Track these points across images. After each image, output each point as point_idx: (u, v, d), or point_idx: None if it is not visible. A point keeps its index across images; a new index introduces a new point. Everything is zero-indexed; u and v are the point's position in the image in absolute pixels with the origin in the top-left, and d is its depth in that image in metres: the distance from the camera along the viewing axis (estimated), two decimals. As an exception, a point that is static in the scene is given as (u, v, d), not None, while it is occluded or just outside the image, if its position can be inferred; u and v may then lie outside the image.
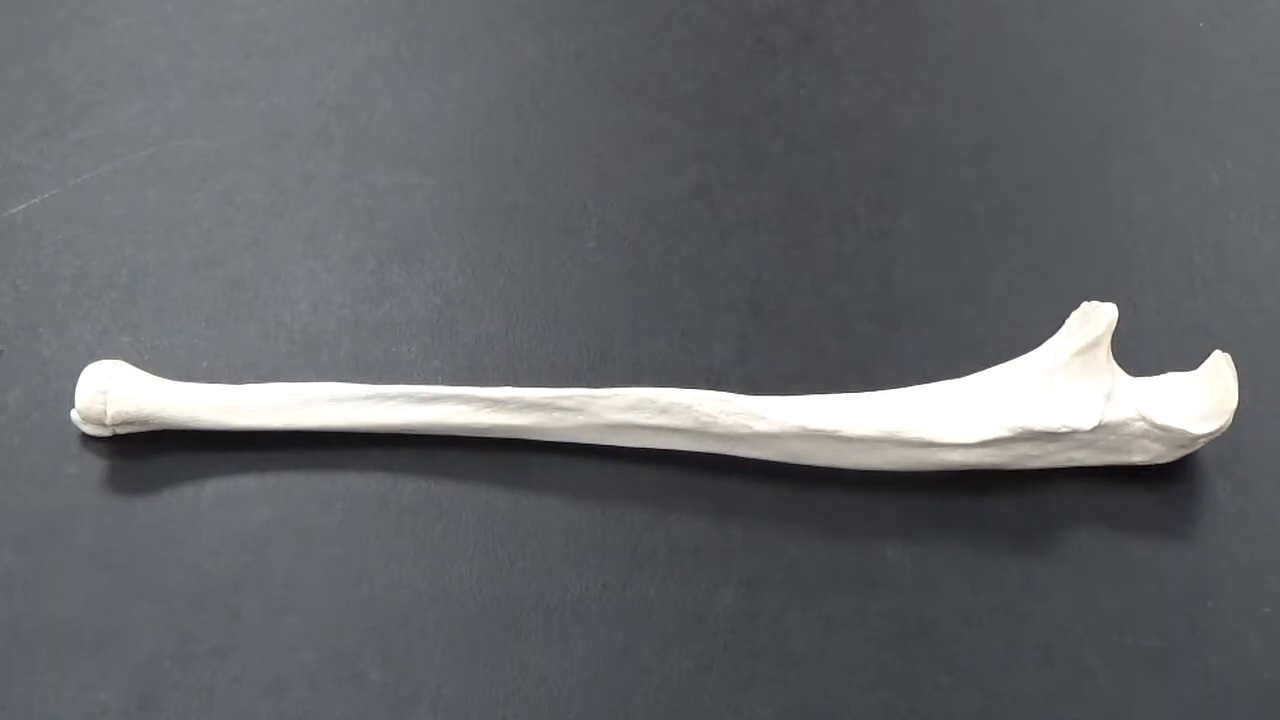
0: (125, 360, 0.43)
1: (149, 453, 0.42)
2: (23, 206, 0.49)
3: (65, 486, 0.42)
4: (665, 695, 0.38)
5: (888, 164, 0.51)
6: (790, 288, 0.47)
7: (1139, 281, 0.48)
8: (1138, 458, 0.42)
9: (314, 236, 0.48)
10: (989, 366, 0.42)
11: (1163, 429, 0.41)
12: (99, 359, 0.43)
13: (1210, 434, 0.41)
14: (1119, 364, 0.42)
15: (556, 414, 0.42)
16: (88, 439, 0.43)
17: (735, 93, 0.54)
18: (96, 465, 0.42)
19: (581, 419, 0.42)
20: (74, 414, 0.42)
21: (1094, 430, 0.41)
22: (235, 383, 0.43)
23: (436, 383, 0.44)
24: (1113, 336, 0.41)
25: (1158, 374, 0.43)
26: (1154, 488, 0.42)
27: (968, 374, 0.42)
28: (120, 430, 0.42)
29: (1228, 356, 0.41)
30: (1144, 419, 0.41)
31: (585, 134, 0.52)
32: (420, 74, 0.54)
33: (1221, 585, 0.40)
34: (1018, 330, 0.44)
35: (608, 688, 0.38)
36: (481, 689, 0.38)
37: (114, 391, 0.42)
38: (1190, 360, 0.43)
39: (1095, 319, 0.41)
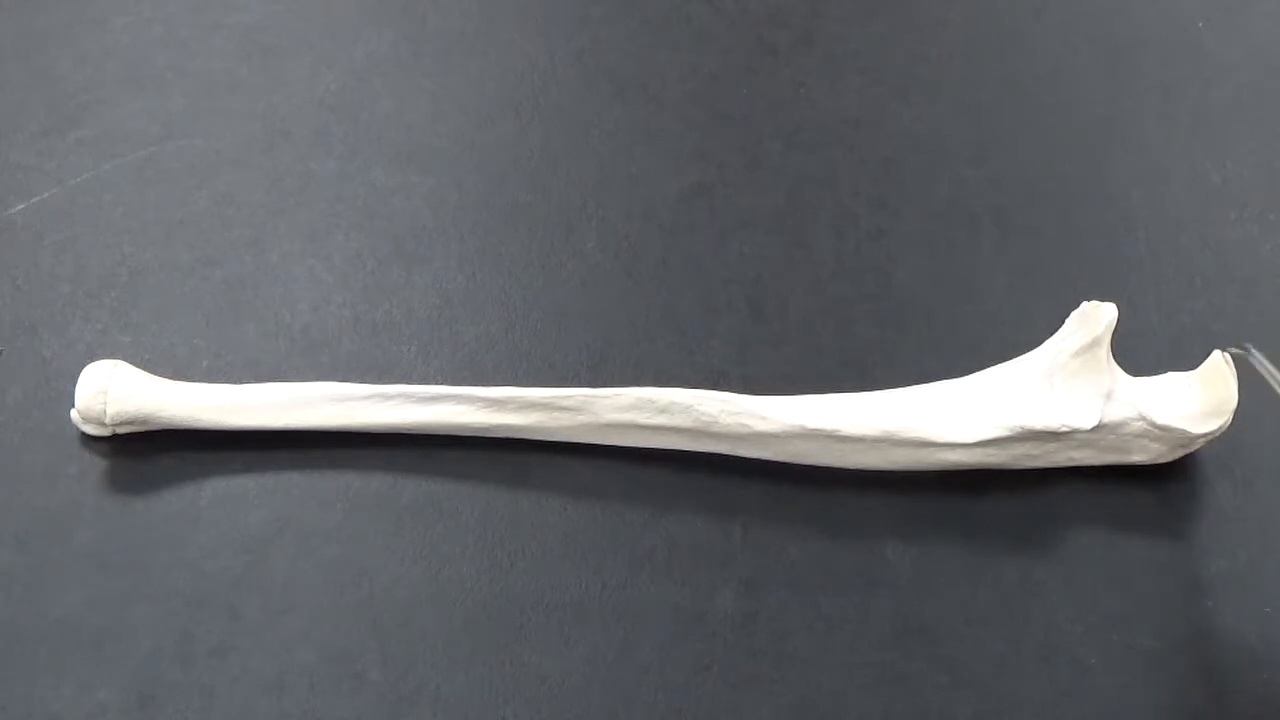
0: (125, 360, 0.43)
1: (149, 453, 0.42)
2: (22, 206, 0.49)
3: (65, 486, 0.42)
4: (665, 695, 0.38)
5: (888, 164, 0.51)
6: (790, 288, 0.47)
7: (1139, 281, 0.48)
8: (1137, 457, 0.42)
9: (314, 236, 0.48)
10: (989, 366, 0.42)
11: (1163, 429, 0.41)
12: (99, 359, 0.43)
13: (1210, 434, 0.41)
14: (1119, 364, 0.42)
15: (556, 414, 0.42)
16: (88, 439, 0.43)
17: (735, 93, 0.54)
18: (96, 465, 0.42)
19: (581, 419, 0.42)
20: (74, 414, 0.42)
21: (1094, 430, 0.41)
22: (235, 382, 0.43)
23: (436, 383, 0.44)
24: (1113, 336, 0.41)
25: (1158, 374, 0.43)
26: (1154, 488, 0.42)
27: (967, 374, 0.42)
28: (120, 430, 0.42)
29: (1228, 356, 0.41)
30: (1144, 419, 0.41)
31: (585, 134, 0.52)
32: (420, 74, 0.54)
33: (1221, 585, 0.40)
34: (1018, 330, 0.44)
35: (608, 688, 0.38)
36: (481, 689, 0.38)
37: (114, 391, 0.42)
38: (1190, 360, 0.43)
39: (1095, 319, 0.41)
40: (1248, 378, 0.41)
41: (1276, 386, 0.40)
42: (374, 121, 0.52)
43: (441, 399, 0.42)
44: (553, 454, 0.43)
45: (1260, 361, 0.40)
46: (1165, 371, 0.43)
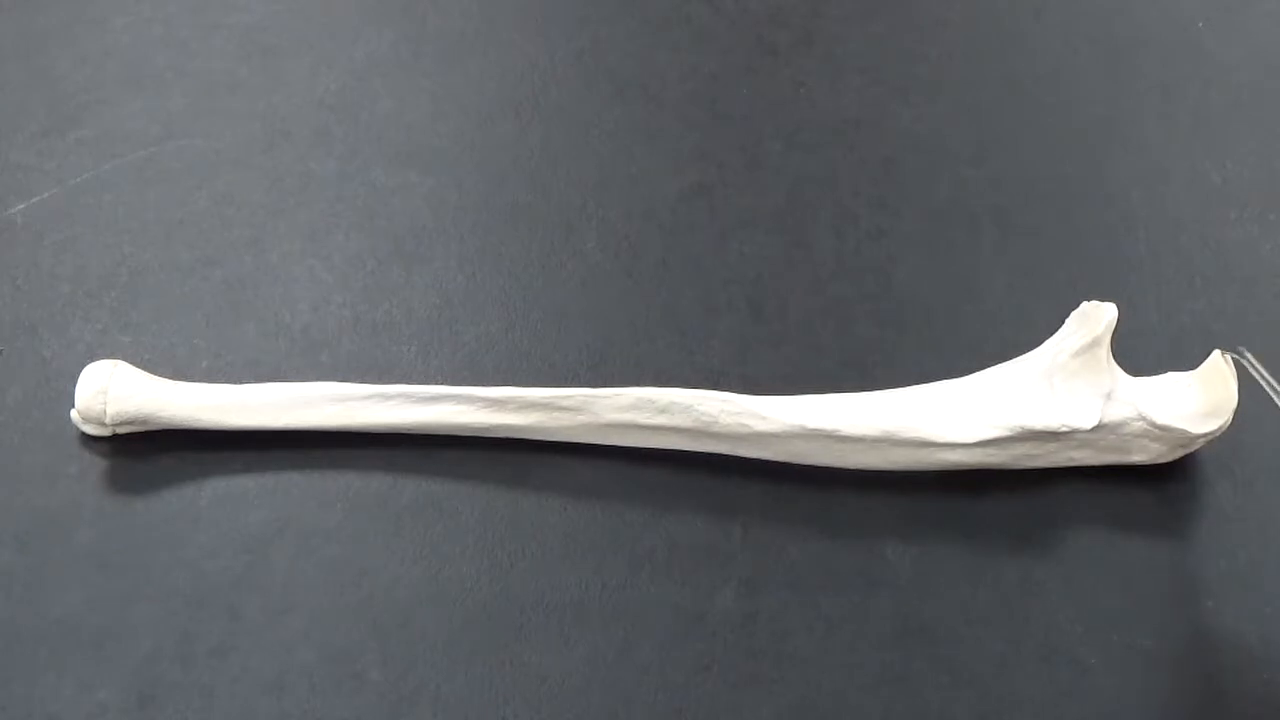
0: (125, 360, 0.43)
1: (149, 453, 0.42)
2: (23, 206, 0.49)
3: (65, 486, 0.42)
4: (665, 695, 0.38)
5: (888, 164, 0.51)
6: (790, 288, 0.47)
7: (1139, 281, 0.48)
8: (1137, 457, 0.42)
9: (314, 236, 0.48)
10: (989, 366, 0.42)
11: (1163, 429, 0.41)
12: (99, 359, 0.43)
13: (1210, 434, 0.41)
14: (1119, 364, 0.42)
15: (556, 414, 0.42)
16: (88, 439, 0.43)
17: (735, 93, 0.54)
18: (96, 465, 0.42)
19: (581, 419, 0.42)
20: (74, 414, 0.42)
21: (1094, 430, 0.41)
22: (235, 383, 0.43)
23: (436, 383, 0.44)
24: (1113, 336, 0.41)
25: (1158, 374, 0.43)
26: (1154, 488, 0.42)
27: (967, 374, 0.42)
28: (120, 430, 0.42)
29: (1228, 356, 0.41)
30: (1144, 419, 0.41)
31: (585, 134, 0.52)
32: (420, 74, 0.54)
33: (1221, 585, 0.40)
34: (1018, 330, 0.44)
35: (608, 688, 0.38)
36: (481, 689, 0.38)
37: (114, 391, 0.42)
38: (1190, 360, 0.43)
39: (1095, 319, 0.41)
40: (1248, 378, 0.41)
41: (1270, 392, 0.40)
42: (374, 121, 0.52)
43: (441, 399, 0.42)
44: (553, 454, 0.43)
45: (1254, 366, 0.40)
46: (1165, 371, 0.43)
